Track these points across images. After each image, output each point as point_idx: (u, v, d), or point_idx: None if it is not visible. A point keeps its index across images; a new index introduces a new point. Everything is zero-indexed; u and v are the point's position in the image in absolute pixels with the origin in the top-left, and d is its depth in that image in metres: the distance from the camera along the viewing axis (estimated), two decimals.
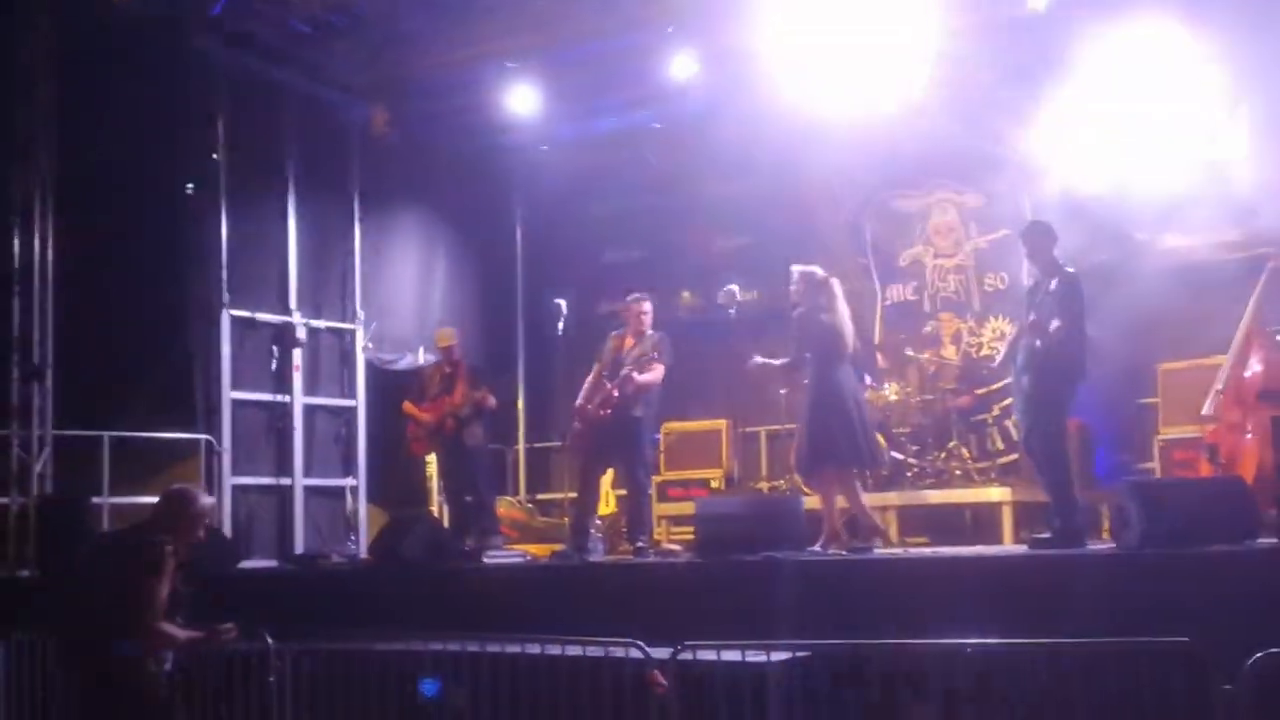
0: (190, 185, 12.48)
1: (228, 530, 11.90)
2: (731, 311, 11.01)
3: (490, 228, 14.96)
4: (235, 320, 12.73)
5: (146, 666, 6.27)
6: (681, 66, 12.00)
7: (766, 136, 13.18)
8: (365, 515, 13.49)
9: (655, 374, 10.07)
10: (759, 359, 9.98)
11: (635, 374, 9.96)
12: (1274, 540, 7.45)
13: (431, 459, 12.76)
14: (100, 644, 6.23)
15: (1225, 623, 6.21)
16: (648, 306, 10.32)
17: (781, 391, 11.61)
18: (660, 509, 12.71)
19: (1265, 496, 8.11)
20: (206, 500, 6.74)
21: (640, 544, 9.98)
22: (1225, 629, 5.99)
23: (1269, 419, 8.86)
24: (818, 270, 9.72)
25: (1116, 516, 8.09)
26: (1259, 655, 5.57)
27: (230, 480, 12.45)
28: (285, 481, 12.97)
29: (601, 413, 10.04)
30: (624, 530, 10.88)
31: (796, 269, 9.74)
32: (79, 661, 6.42)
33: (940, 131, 13.25)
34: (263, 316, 13.01)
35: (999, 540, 10.76)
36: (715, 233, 14.38)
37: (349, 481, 13.54)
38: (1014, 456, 12.31)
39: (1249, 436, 9.43)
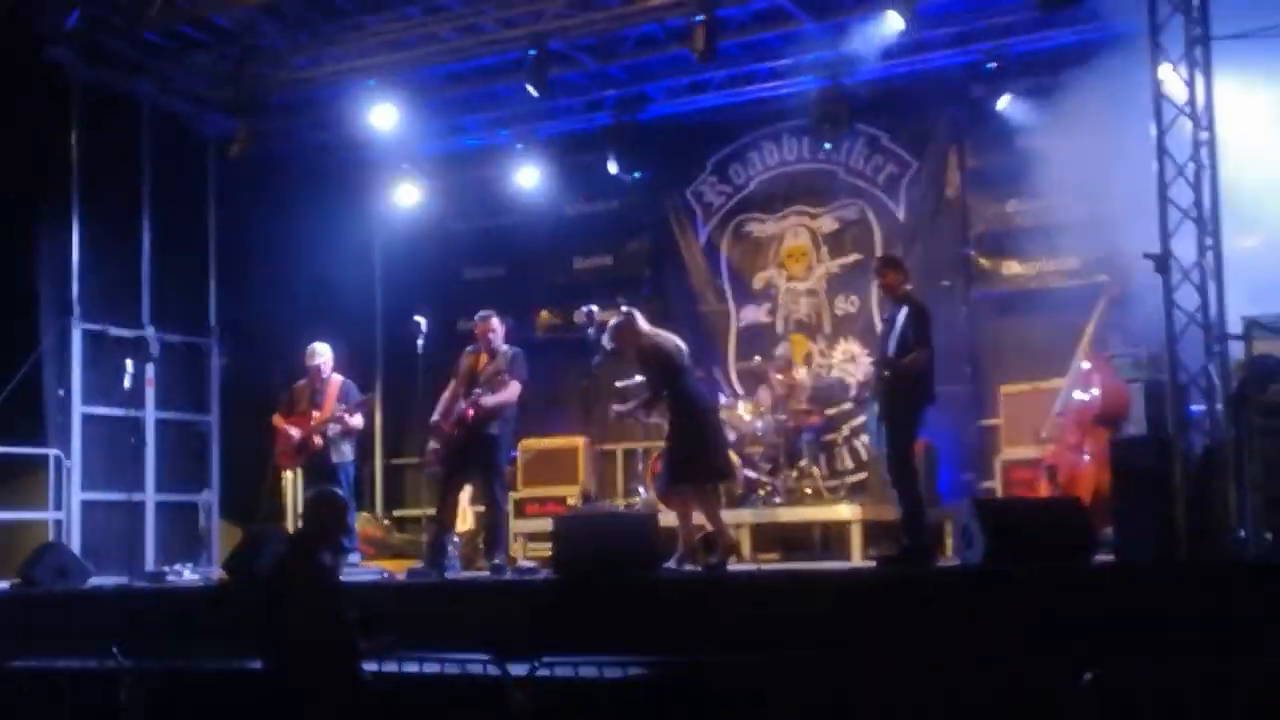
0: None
1: (76, 547, 11.68)
2: (590, 331, 11.11)
3: (350, 244, 14.89)
4: (87, 334, 12.52)
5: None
6: (542, 87, 12.08)
7: (628, 157, 13.38)
8: (218, 532, 13.32)
9: (509, 392, 10.14)
10: (617, 408, 10.19)
11: (486, 396, 10.03)
12: (1110, 558, 7.75)
13: (291, 474, 12.66)
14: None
15: (1065, 638, 6.45)
16: (496, 324, 10.37)
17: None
18: (517, 525, 12.75)
19: (1101, 516, 8.43)
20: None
21: (498, 561, 10.04)
22: (1065, 644, 6.23)
23: (1105, 441, 9.20)
24: (611, 317, 9.96)
25: (960, 534, 8.35)
26: (1098, 669, 5.81)
27: (79, 496, 12.24)
28: (137, 497, 12.76)
29: (455, 431, 10.10)
30: (481, 547, 10.92)
31: (606, 333, 9.93)
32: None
33: (792, 156, 13.58)
34: (115, 330, 12.80)
35: (848, 557, 11.01)
36: (575, 252, 14.50)
37: (203, 497, 13.38)
38: (863, 475, 12.62)
39: (1086, 458, 9.79)
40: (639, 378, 10.11)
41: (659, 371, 9.57)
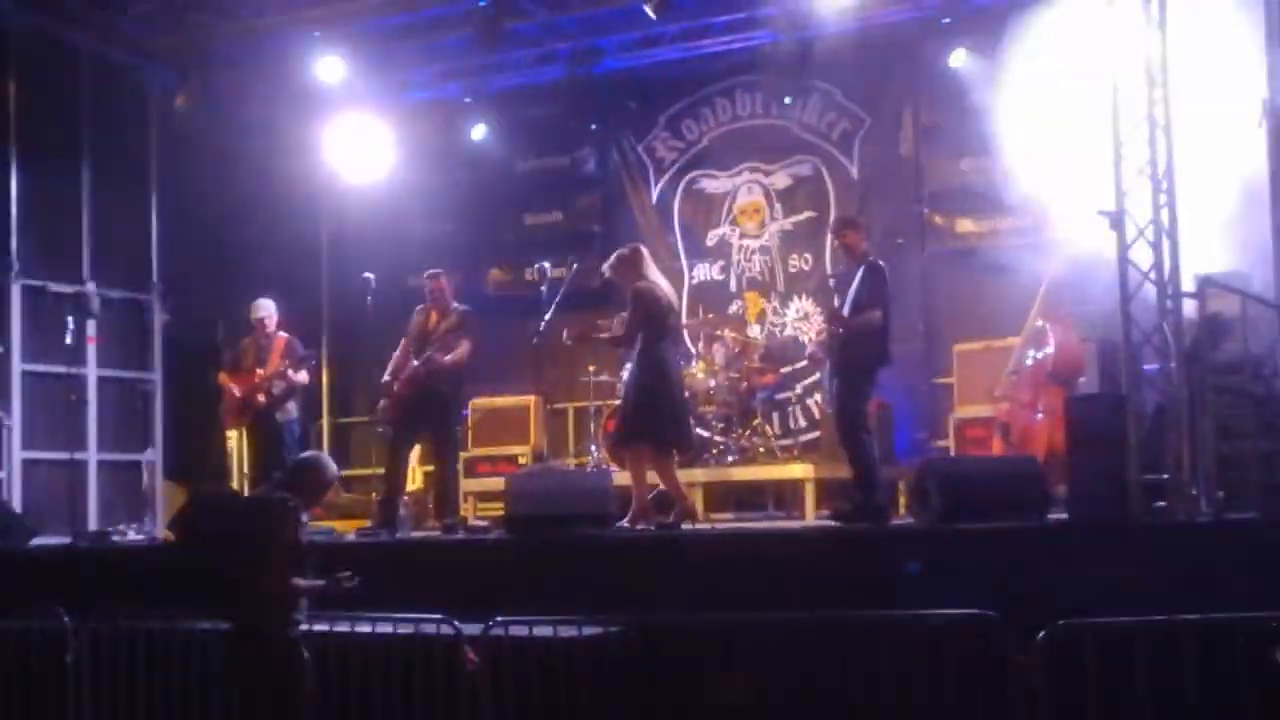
0: None
1: (17, 506, 11.51)
2: (542, 289, 11.00)
3: (296, 198, 14.67)
4: (26, 289, 12.30)
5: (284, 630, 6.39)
6: (493, 39, 11.91)
7: (578, 113, 13.27)
8: (162, 490, 13.17)
9: (461, 351, 10.05)
10: (571, 335, 10.05)
11: (439, 355, 9.94)
12: (1064, 516, 7.76)
13: (234, 433, 12.52)
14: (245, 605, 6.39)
15: (1020, 596, 6.45)
16: (445, 282, 10.29)
17: (590, 369, 11.68)
18: (469, 485, 12.66)
19: (1055, 474, 8.44)
20: (334, 470, 7.01)
21: (448, 520, 9.96)
22: (1020, 602, 6.23)
23: (1059, 399, 9.20)
24: (636, 248, 9.79)
25: (915, 493, 8.34)
26: (1051, 626, 5.81)
27: (20, 455, 12.06)
28: (79, 456, 12.57)
29: (406, 390, 10.01)
30: (431, 507, 10.83)
31: (615, 255, 9.79)
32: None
33: (745, 112, 13.50)
34: (56, 286, 12.58)
35: (801, 515, 11.00)
36: (526, 209, 14.36)
37: (145, 456, 13.21)
38: (816, 434, 12.61)
39: (1040, 416, 9.81)
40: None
41: (644, 318, 9.35)
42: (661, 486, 9.44)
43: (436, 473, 10.43)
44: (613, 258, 9.62)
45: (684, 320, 13.36)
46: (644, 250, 9.63)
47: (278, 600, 6.38)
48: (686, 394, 11.26)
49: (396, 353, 10.28)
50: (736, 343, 12.13)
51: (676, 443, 9.48)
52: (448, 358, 9.97)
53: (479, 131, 13.86)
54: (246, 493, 11.81)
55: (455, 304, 10.33)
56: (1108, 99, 7.98)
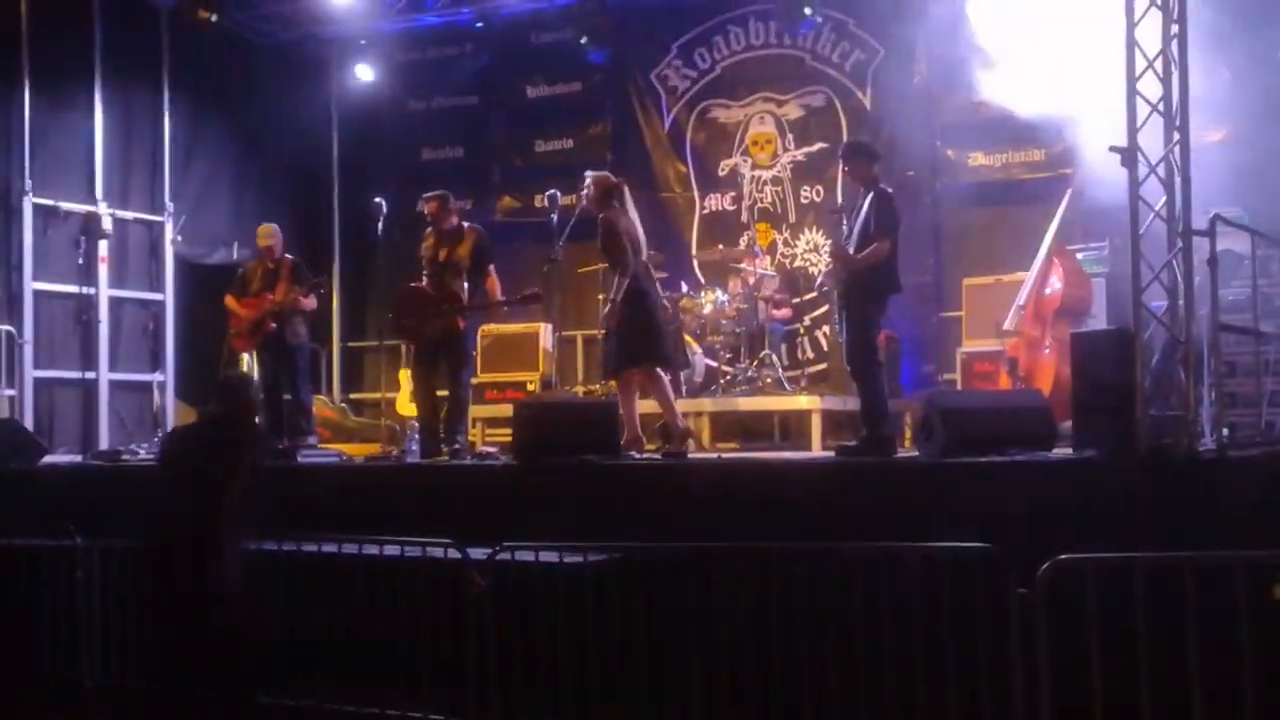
0: None
1: (30, 424, 11.59)
2: (553, 216, 10.98)
3: (307, 121, 14.65)
4: (38, 209, 12.32)
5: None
6: None
7: (591, 38, 13.18)
8: (173, 411, 13.25)
9: (494, 282, 10.17)
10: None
11: (487, 297, 10.10)
12: (1069, 451, 7.79)
13: (247, 356, 12.56)
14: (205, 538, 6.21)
15: (1022, 529, 6.49)
16: (439, 206, 10.27)
17: (600, 297, 11.67)
18: (477, 411, 12.71)
19: (1061, 409, 8.45)
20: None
21: (457, 445, 10.01)
22: (1022, 535, 6.26)
23: (1067, 334, 9.21)
24: (610, 175, 9.79)
25: (920, 426, 8.36)
26: (1052, 560, 5.85)
27: (32, 373, 12.12)
28: (90, 376, 12.66)
29: (461, 324, 10.04)
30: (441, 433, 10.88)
31: (590, 175, 9.77)
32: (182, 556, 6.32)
33: (758, 41, 13.41)
34: (67, 205, 12.60)
35: (808, 447, 11.05)
36: (536, 136, 14.32)
37: (156, 377, 13.29)
38: (823, 366, 12.66)
39: (1047, 351, 9.82)
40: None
41: (618, 249, 9.36)
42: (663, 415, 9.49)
43: (450, 398, 10.47)
44: (591, 179, 9.60)
45: (694, 251, 13.38)
46: (623, 185, 9.64)
47: (230, 519, 6.35)
48: (693, 324, 11.38)
49: (416, 285, 10.28)
50: (749, 274, 12.13)
51: (663, 364, 9.51)
52: (498, 294, 10.11)
53: (488, 57, 13.77)
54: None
55: (464, 225, 10.34)
56: (1123, 34, 7.91)
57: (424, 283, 10.18)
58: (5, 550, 8.41)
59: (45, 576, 8.16)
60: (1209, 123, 8.50)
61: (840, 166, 9.52)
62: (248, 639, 6.28)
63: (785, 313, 12.31)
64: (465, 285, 10.06)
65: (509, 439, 9.90)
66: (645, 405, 9.83)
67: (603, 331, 9.56)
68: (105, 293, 12.89)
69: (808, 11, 12.78)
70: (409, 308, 10.23)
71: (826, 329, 12.52)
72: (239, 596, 6.30)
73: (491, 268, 10.15)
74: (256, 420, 6.67)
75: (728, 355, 12.04)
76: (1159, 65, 7.82)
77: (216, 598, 6.26)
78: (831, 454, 9.39)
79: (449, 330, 10.05)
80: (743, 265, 12.22)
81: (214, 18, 12.85)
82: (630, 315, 9.30)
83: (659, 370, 9.48)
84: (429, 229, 10.33)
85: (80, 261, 12.50)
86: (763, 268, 12.19)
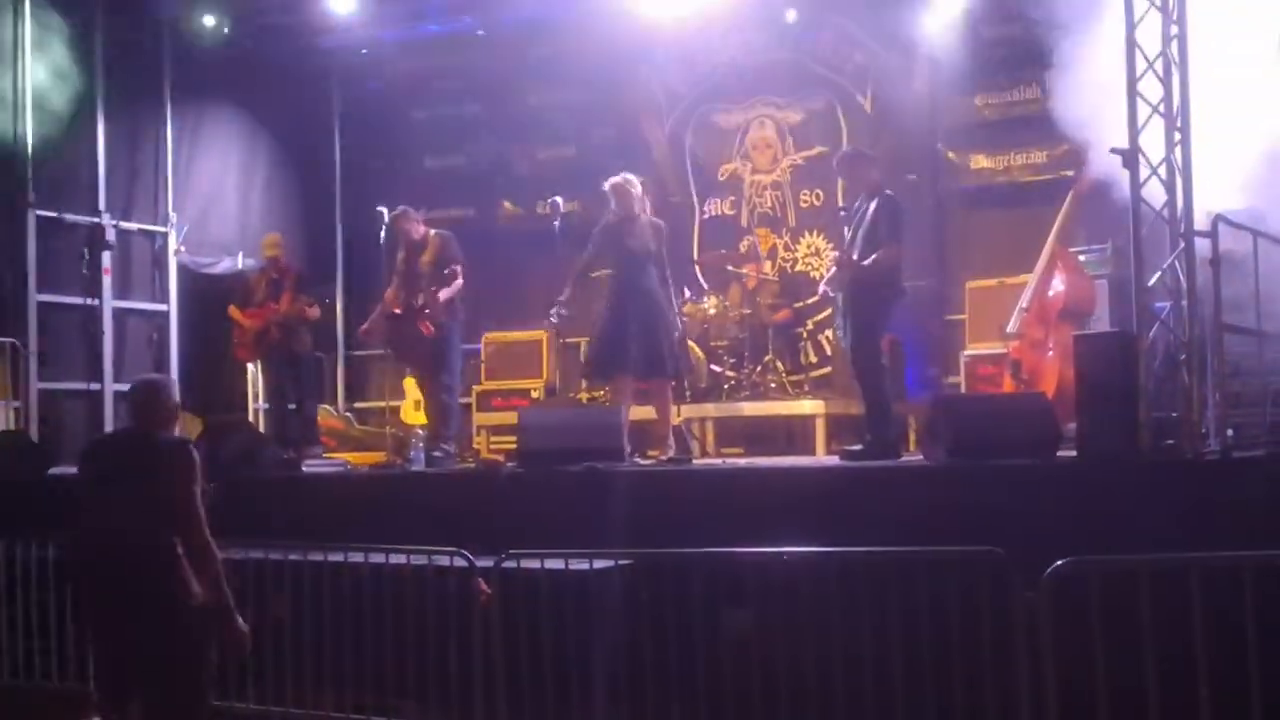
0: None
1: (35, 435, 11.60)
2: (556, 223, 11.00)
3: (310, 131, 14.68)
4: (42, 220, 12.33)
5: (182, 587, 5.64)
6: None
7: (591, 46, 13.18)
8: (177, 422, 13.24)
9: (457, 282, 10.29)
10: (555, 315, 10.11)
11: (434, 299, 10.14)
12: (1073, 454, 7.79)
13: (253, 366, 12.60)
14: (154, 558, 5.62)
15: (1027, 532, 6.49)
16: (404, 222, 10.48)
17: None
18: (481, 419, 12.77)
19: (1065, 411, 8.46)
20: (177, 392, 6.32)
21: (437, 454, 10.06)
22: (1027, 538, 6.26)
23: (1070, 337, 9.21)
24: (628, 176, 9.90)
25: (925, 429, 8.37)
26: (1058, 563, 5.85)
27: (37, 385, 12.13)
28: (95, 387, 12.68)
29: (428, 331, 10.13)
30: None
31: (610, 183, 9.85)
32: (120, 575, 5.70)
33: (758, 45, 13.42)
34: (71, 217, 12.62)
35: (812, 451, 11.05)
36: (539, 143, 14.33)
37: None
38: (827, 370, 12.65)
39: (1050, 354, 9.81)
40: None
41: (638, 251, 9.56)
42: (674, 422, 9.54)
43: (432, 403, 10.60)
44: (614, 188, 9.73)
45: (695, 255, 13.39)
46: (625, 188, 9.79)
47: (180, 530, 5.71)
48: (695, 329, 11.45)
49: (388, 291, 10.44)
50: (750, 279, 12.14)
51: (675, 372, 9.83)
52: (444, 293, 10.14)
53: (491, 64, 13.77)
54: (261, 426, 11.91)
55: (430, 232, 10.52)
56: (1123, 35, 7.92)
57: (398, 296, 10.31)
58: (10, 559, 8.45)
59: (50, 584, 8.16)
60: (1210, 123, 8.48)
61: (846, 173, 9.57)
62: (205, 655, 5.89)
63: (784, 315, 12.33)
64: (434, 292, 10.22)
65: (513, 446, 9.91)
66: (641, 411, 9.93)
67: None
68: (109, 304, 12.90)
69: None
70: (390, 328, 10.50)
71: (829, 333, 12.52)
72: (195, 611, 5.83)
73: (454, 269, 10.28)
74: (177, 427, 6.25)
75: (731, 360, 12.05)
76: (1159, 66, 7.84)
77: (165, 612, 5.62)
78: (836, 458, 9.40)
79: (420, 339, 10.16)
80: (742, 270, 12.23)
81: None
82: (644, 321, 9.46)
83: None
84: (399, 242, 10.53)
85: (84, 273, 12.51)
86: (761, 272, 12.20)
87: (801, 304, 12.73)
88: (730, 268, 12.46)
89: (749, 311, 11.93)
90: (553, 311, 9.96)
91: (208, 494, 5.96)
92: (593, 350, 9.82)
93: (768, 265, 12.69)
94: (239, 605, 5.99)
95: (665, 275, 9.76)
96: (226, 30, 13.33)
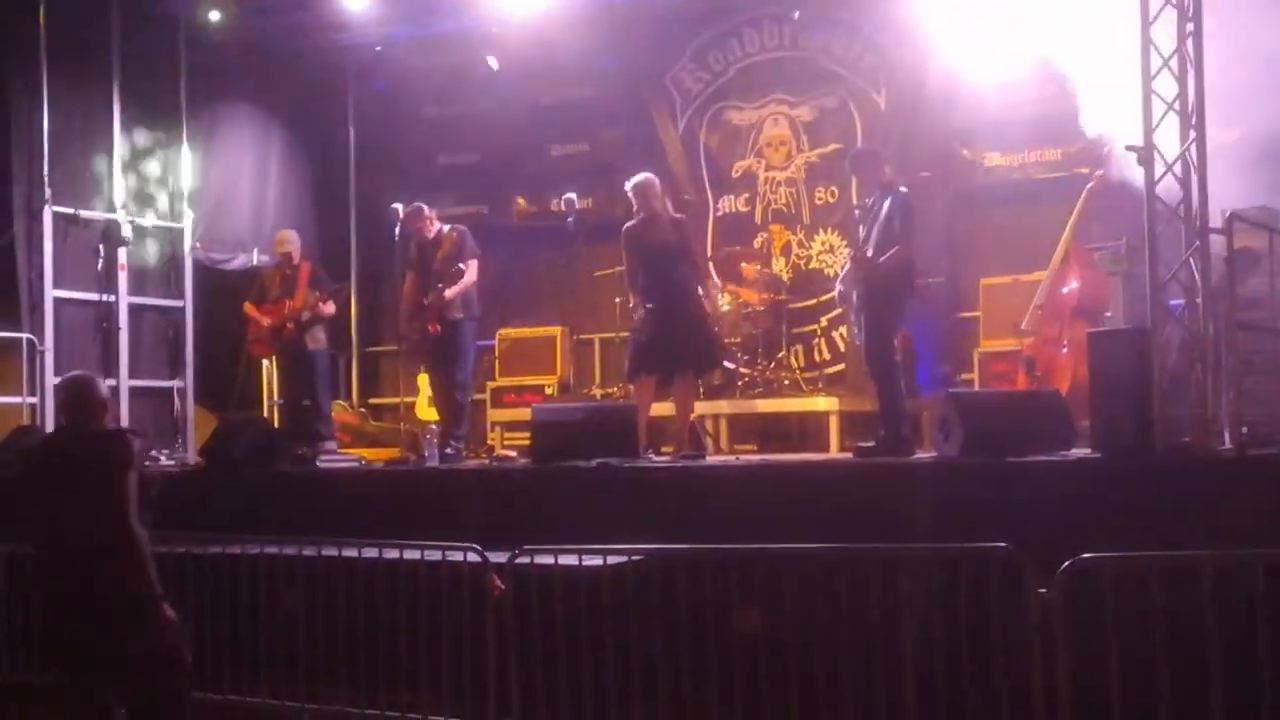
0: None
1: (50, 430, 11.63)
2: (569, 220, 11.02)
3: (324, 128, 14.71)
4: (58, 217, 12.36)
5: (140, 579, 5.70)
6: None
7: (605, 43, 13.18)
8: (193, 418, 13.31)
9: (469, 275, 10.40)
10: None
11: (443, 293, 10.28)
12: (1086, 451, 7.79)
13: (268, 362, 12.64)
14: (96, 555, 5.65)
15: (1040, 529, 6.50)
16: (419, 219, 10.63)
17: (617, 300, 11.72)
18: (495, 415, 12.79)
19: (1079, 408, 8.45)
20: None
21: (449, 450, 10.11)
22: (1040, 535, 6.27)
23: (1084, 334, 9.20)
24: (648, 175, 9.95)
25: (938, 427, 8.37)
26: (1072, 560, 5.86)
27: (53, 381, 12.15)
28: (110, 382, 12.70)
29: (433, 329, 10.23)
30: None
31: (631, 183, 9.91)
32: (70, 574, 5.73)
33: (771, 42, 13.41)
34: (87, 213, 12.66)
35: (825, 448, 11.05)
36: (552, 140, 14.34)
37: (176, 383, 13.35)
38: (841, 367, 12.63)
39: (1064, 351, 9.81)
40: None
41: (670, 248, 9.75)
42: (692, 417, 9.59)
43: (445, 400, 10.65)
44: (636, 189, 9.77)
45: (709, 252, 13.40)
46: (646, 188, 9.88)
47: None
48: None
49: (406, 287, 10.52)
50: (763, 276, 12.14)
51: (710, 366, 10.27)
52: (449, 291, 10.15)
53: (504, 62, 13.77)
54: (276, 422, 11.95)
55: (443, 229, 10.66)
56: (1138, 34, 7.91)
57: (413, 293, 10.42)
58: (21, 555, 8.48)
59: None
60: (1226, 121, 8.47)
61: (859, 173, 9.58)
62: (182, 652, 5.86)
63: (796, 312, 12.37)
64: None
65: (528, 443, 9.94)
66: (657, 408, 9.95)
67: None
68: (125, 300, 12.93)
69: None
70: (406, 322, 10.69)
71: (843, 330, 12.51)
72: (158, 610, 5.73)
73: (466, 264, 10.44)
74: (108, 422, 6.19)
75: (745, 357, 12.05)
76: (1175, 63, 7.82)
77: (135, 611, 5.66)
78: (850, 455, 9.41)
79: (432, 336, 10.35)
80: (758, 267, 12.24)
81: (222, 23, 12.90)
82: (680, 318, 9.69)
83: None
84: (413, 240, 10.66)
85: (100, 269, 12.55)
86: (774, 269, 12.21)
87: (815, 301, 12.72)
88: (743, 265, 12.45)
89: (763, 309, 11.91)
90: (635, 316, 10.00)
91: (154, 485, 6.02)
92: (637, 348, 9.80)
93: (781, 262, 12.68)
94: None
95: (695, 266, 10.04)
96: (241, 28, 13.33)
